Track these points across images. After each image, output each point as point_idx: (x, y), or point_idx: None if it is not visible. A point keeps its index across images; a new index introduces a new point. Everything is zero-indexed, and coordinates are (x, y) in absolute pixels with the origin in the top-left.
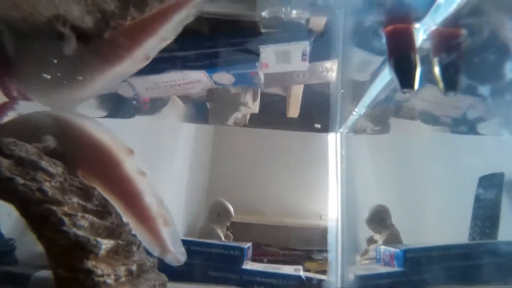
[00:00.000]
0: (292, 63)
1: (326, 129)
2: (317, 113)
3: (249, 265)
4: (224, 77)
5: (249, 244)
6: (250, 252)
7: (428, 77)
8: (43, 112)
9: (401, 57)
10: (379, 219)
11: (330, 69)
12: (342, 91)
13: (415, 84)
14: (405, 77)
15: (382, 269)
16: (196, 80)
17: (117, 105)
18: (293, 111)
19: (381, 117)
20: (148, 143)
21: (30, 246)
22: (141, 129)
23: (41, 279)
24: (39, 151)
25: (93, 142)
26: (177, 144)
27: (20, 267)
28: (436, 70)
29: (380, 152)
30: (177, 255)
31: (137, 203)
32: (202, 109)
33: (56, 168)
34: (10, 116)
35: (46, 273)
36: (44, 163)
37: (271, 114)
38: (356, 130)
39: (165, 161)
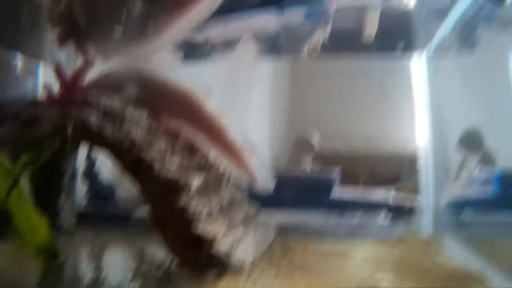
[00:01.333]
0: None
1: (408, 51)
2: (398, 35)
3: (338, 192)
4: (294, 18)
5: (338, 171)
6: (338, 180)
7: None
8: (125, 68)
9: None
10: (472, 142)
11: None
12: (425, 8)
13: None
14: None
15: (477, 193)
16: (265, 24)
17: (190, 50)
18: (370, 34)
19: (469, 31)
20: (227, 82)
21: (127, 189)
22: (219, 70)
23: (140, 218)
24: (123, 100)
25: (174, 88)
26: (255, 81)
27: (121, 208)
28: None
29: (469, 72)
30: (265, 183)
31: (223, 137)
32: (274, 44)
33: (141, 115)
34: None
35: (145, 213)
36: (130, 112)
37: (346, 40)
38: (441, 49)
39: (245, 99)
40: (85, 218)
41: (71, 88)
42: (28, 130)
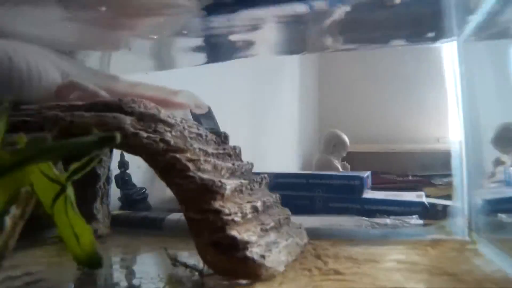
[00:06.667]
0: None
1: (440, 38)
2: (428, 20)
3: (369, 194)
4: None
5: (368, 172)
6: (369, 181)
7: None
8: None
9: None
10: (507, 138)
11: None
12: None
13: None
14: None
15: None
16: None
17: (214, 49)
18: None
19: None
20: (255, 82)
21: (160, 192)
22: (246, 70)
23: (173, 221)
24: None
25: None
26: (282, 79)
27: (154, 212)
28: None
29: (507, 61)
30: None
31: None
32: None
33: (174, 118)
34: None
35: (178, 215)
36: (163, 115)
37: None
38: (477, 36)
39: (274, 97)
40: (119, 223)
41: None
42: (68, 136)
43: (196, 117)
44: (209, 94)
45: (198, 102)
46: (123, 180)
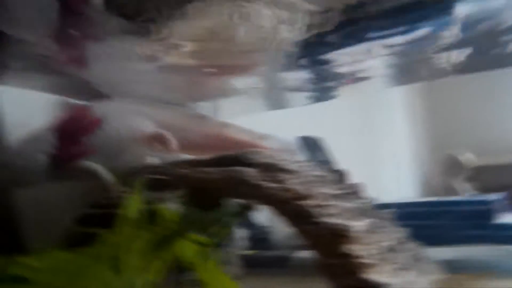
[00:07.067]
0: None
1: None
2: None
3: (503, 218)
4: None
5: (499, 194)
6: (502, 203)
7: None
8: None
9: None
10: None
11: None
12: None
13: None
14: None
15: None
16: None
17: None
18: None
19: None
20: (360, 113)
21: (282, 230)
22: (351, 102)
23: (299, 260)
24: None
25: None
26: (391, 101)
27: (277, 250)
28: None
29: None
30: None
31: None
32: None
33: (292, 163)
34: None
35: (303, 254)
36: (283, 163)
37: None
38: None
39: (384, 122)
40: (247, 263)
41: None
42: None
43: (305, 150)
44: (320, 123)
45: (285, 147)
46: (248, 220)
